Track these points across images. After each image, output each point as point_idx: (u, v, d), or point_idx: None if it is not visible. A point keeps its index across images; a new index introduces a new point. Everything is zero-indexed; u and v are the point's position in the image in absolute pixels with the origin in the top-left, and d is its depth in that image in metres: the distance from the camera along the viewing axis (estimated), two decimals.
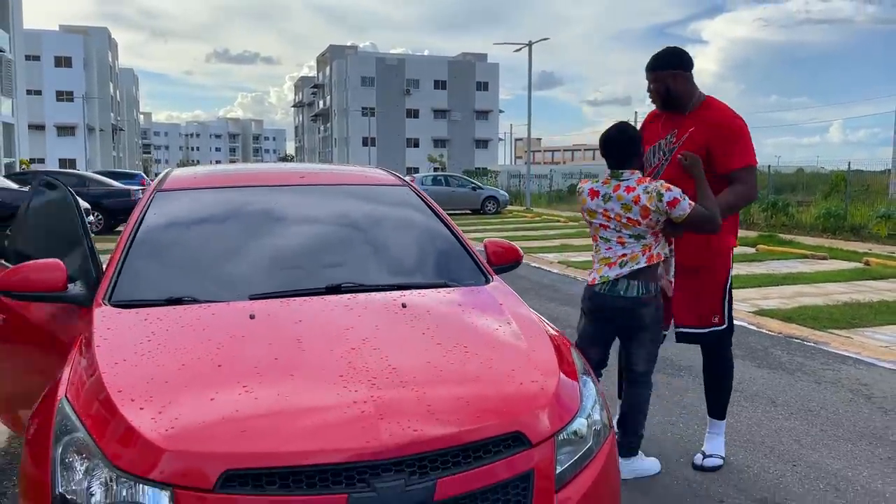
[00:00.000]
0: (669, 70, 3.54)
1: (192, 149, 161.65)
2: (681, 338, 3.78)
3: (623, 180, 3.33)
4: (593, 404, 2.34)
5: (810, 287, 9.64)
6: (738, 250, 13.64)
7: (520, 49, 35.61)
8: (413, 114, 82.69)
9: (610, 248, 3.38)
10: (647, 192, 3.25)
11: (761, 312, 7.93)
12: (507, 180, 42.79)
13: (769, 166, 26.40)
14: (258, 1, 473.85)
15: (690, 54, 3.59)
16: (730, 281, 3.69)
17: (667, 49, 3.65)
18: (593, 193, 3.40)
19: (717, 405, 3.84)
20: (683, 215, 3.24)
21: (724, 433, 3.87)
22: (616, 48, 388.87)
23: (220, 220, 3.19)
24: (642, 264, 3.32)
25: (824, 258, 12.59)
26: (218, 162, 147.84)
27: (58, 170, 30.79)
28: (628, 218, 3.28)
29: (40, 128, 61.17)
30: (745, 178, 3.51)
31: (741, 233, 18.50)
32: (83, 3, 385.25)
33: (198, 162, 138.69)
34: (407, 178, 4.49)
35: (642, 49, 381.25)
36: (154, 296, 2.67)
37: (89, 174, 20.58)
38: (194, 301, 2.62)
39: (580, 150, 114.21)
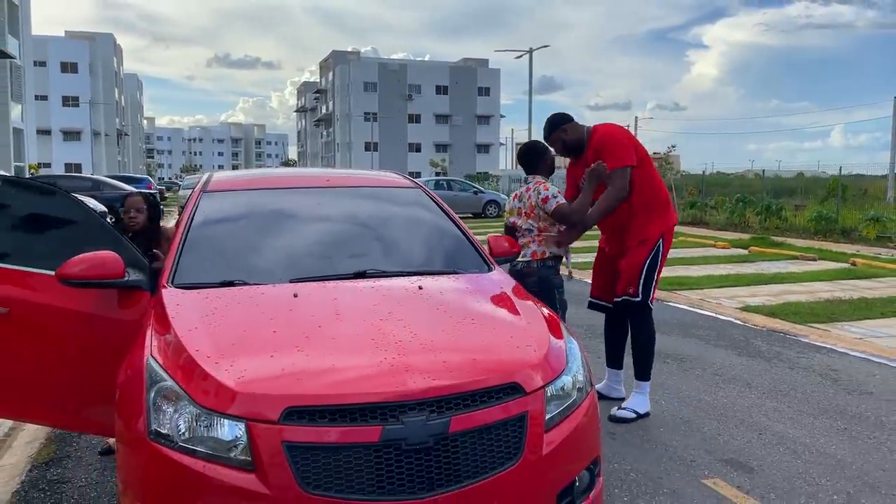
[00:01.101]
0: (557, 131, 4.58)
1: (195, 153, 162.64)
2: (591, 306, 4.94)
3: (528, 183, 4.49)
4: (578, 367, 2.85)
5: (797, 286, 10.15)
6: (730, 252, 14.05)
7: (521, 56, 36.23)
8: (415, 119, 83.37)
9: (524, 235, 4.44)
10: (535, 191, 4.39)
11: (747, 308, 8.44)
12: (508, 185, 43.32)
13: (763, 170, 26.90)
14: (258, 6, 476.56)
15: (569, 114, 4.66)
16: (652, 262, 4.53)
17: (548, 118, 4.66)
18: (515, 196, 4.56)
19: (642, 367, 4.66)
20: (550, 209, 4.33)
21: (646, 393, 4.66)
22: (617, 53, 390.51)
23: (260, 217, 3.72)
24: (528, 258, 4.39)
25: (813, 259, 13.09)
26: (221, 167, 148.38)
27: (72, 174, 31.41)
28: (526, 212, 4.42)
29: (47, 133, 61.93)
30: (615, 179, 4.38)
31: (734, 235, 18.90)
32: (85, 9, 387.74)
33: (201, 167, 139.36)
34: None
35: (643, 54, 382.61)
36: (209, 279, 3.18)
37: (103, 178, 21.19)
38: (244, 283, 3.14)
39: None
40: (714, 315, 8.14)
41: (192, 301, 2.96)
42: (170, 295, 3.03)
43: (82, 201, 3.57)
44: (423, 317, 2.89)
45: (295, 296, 2.98)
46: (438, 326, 2.82)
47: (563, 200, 4.37)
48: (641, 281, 4.52)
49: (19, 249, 3.32)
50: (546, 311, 3.27)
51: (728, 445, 4.13)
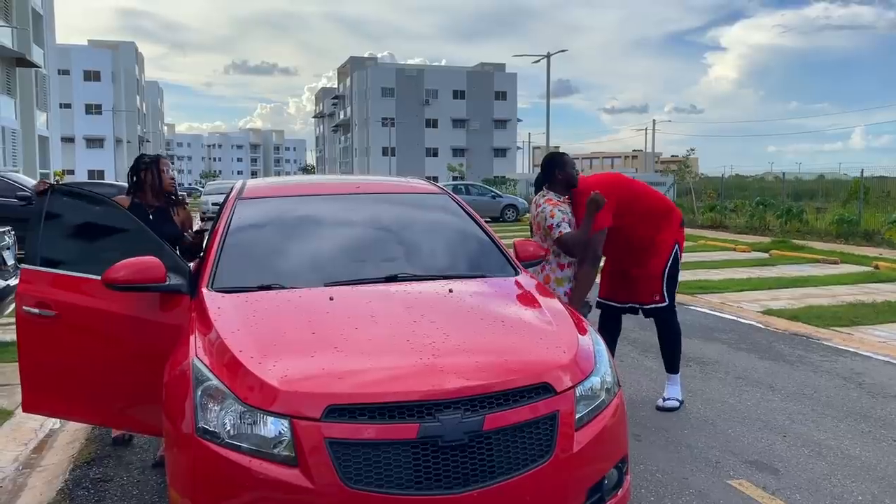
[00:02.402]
0: (553, 172, 4.63)
1: (215, 159, 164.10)
2: (625, 310, 5.01)
3: (543, 197, 4.57)
4: (606, 368, 2.93)
5: (819, 289, 10.13)
6: (751, 255, 14.04)
7: (538, 60, 36.29)
8: (432, 123, 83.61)
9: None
10: (543, 211, 4.46)
11: (769, 312, 8.45)
12: (525, 188, 43.30)
13: (783, 173, 26.71)
14: (276, 13, 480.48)
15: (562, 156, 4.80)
16: (672, 268, 4.77)
17: (543, 160, 4.81)
18: (533, 202, 4.64)
19: (671, 362, 4.95)
20: (554, 238, 4.40)
21: (680, 383, 4.98)
22: (633, 56, 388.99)
23: (294, 223, 3.84)
24: (541, 278, 4.46)
25: (836, 262, 13.03)
26: (240, 173, 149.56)
27: (97, 181, 31.91)
28: (535, 227, 4.57)
29: (70, 140, 62.87)
30: (593, 244, 4.50)
31: (754, 238, 18.85)
32: (107, 19, 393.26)
33: (220, 172, 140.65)
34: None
35: (660, 57, 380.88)
36: (247, 283, 3.30)
37: (125, 185, 21.43)
38: (281, 287, 3.25)
39: (598, 158, 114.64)
40: (736, 319, 8.17)
41: (233, 304, 3.07)
42: (211, 298, 3.14)
43: (126, 211, 3.72)
44: (454, 319, 2.99)
45: (331, 299, 3.08)
46: (470, 329, 2.91)
47: (568, 230, 4.38)
48: (665, 287, 4.76)
49: (70, 256, 3.47)
50: (573, 313, 3.36)
51: (752, 447, 4.18)
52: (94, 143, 67.79)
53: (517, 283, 3.55)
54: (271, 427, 2.42)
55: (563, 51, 37.39)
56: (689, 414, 4.77)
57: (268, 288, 3.24)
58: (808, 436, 4.37)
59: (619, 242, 4.68)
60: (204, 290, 3.25)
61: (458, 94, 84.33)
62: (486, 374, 2.57)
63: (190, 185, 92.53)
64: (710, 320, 8.09)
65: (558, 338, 2.92)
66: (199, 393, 2.56)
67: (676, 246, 4.78)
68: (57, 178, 35.12)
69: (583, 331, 3.10)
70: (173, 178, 4.49)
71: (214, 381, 2.56)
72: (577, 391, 2.71)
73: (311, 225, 3.83)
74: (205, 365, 2.65)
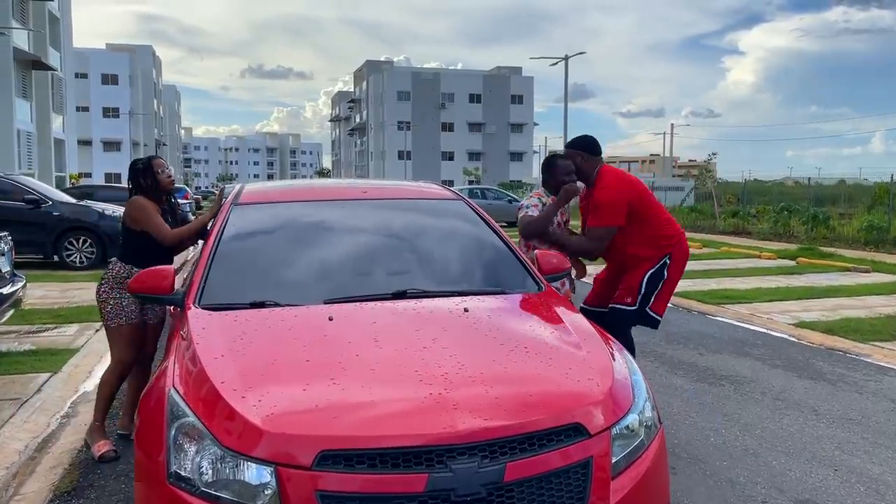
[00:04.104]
0: (578, 149, 4.39)
1: (231, 163, 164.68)
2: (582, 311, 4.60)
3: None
4: (644, 402, 2.53)
5: (852, 300, 9.64)
6: (777, 263, 13.57)
7: (556, 63, 35.84)
8: (448, 127, 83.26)
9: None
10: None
11: (801, 324, 7.98)
12: None
13: (809, 178, 26.14)
14: (292, 17, 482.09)
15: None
16: (655, 275, 4.33)
17: (584, 135, 4.51)
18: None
19: None
20: (518, 216, 4.29)
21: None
22: (650, 60, 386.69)
23: (293, 232, 3.47)
24: None
25: (867, 271, 12.51)
26: (257, 176, 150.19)
27: (110, 184, 31.83)
28: None
29: (87, 143, 63.09)
30: (593, 236, 4.35)
31: (779, 245, 18.33)
32: (125, 23, 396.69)
33: (237, 176, 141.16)
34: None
35: (677, 61, 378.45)
36: (238, 300, 2.94)
37: None
38: (276, 305, 2.89)
39: (615, 162, 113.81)
40: (766, 331, 7.71)
41: (220, 324, 2.72)
42: (195, 317, 2.79)
43: None
44: (470, 344, 2.61)
45: (330, 319, 2.72)
46: (488, 356, 2.53)
47: (532, 213, 4.24)
48: (641, 292, 4.32)
49: None
50: (603, 334, 2.97)
51: (802, 483, 3.75)
52: (112, 146, 68.02)
53: (541, 300, 3.17)
54: (254, 474, 2.05)
55: (581, 53, 36.95)
56: (726, 441, 4.35)
57: (261, 305, 2.89)
58: (863, 470, 3.94)
59: (617, 249, 4.38)
60: (190, 307, 2.90)
61: (474, 98, 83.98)
62: (506, 413, 2.18)
63: (206, 188, 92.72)
64: (739, 333, 7.64)
65: (590, 367, 2.53)
66: (174, 431, 2.21)
67: (668, 257, 4.34)
68: (72, 181, 35.13)
69: (617, 356, 2.71)
70: (170, 176, 4.27)
71: (191, 418, 2.20)
72: (613, 431, 2.32)
73: (311, 234, 3.46)
74: (181, 397, 2.29)
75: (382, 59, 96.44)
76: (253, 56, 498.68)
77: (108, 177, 61.85)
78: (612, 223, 4.26)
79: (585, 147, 4.41)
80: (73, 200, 13.62)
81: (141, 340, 4.17)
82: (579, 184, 4.31)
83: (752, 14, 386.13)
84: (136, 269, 3.84)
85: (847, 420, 4.78)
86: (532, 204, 4.30)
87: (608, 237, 4.29)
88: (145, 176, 4.14)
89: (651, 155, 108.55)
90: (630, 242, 4.32)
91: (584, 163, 4.36)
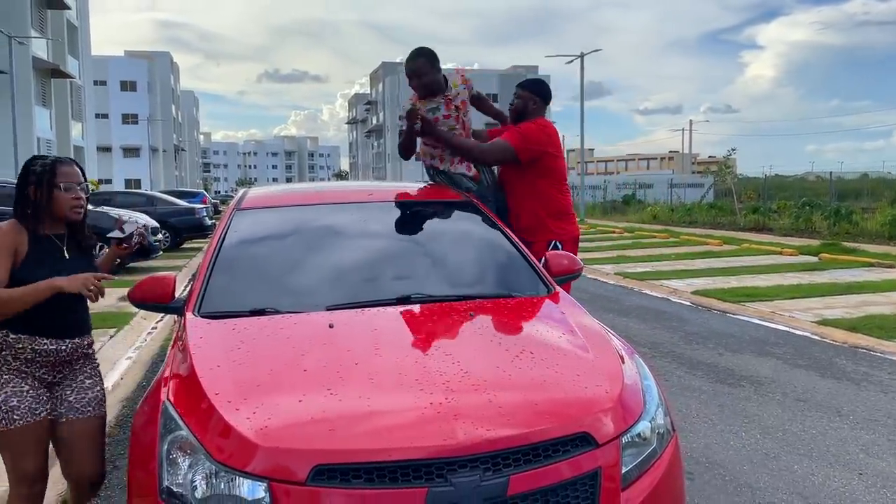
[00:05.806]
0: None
1: (250, 167, 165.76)
2: None
3: None
4: (656, 408, 2.43)
5: (877, 296, 9.41)
6: (799, 259, 13.28)
7: (571, 61, 35.58)
8: None
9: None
10: None
11: (824, 322, 7.79)
12: None
13: (831, 173, 25.72)
14: (308, 21, 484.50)
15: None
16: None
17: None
18: None
19: None
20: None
21: None
22: (667, 56, 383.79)
23: (296, 237, 3.40)
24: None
25: (892, 266, 12.23)
26: (275, 180, 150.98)
27: (127, 190, 32.14)
28: None
29: (107, 149, 63.73)
30: (495, 146, 4.26)
31: (801, 241, 18.00)
32: (143, 30, 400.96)
33: (255, 180, 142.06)
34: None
35: (695, 57, 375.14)
36: (238, 307, 2.87)
37: (156, 194, 21.42)
38: (276, 312, 2.81)
39: (634, 160, 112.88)
40: (788, 329, 7.54)
41: (218, 333, 2.65)
42: (193, 326, 2.72)
43: None
44: (473, 350, 2.52)
45: (330, 326, 2.64)
46: (492, 362, 2.43)
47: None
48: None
49: None
50: (615, 338, 2.86)
51: (825, 488, 3.62)
52: (131, 152, 68.71)
53: (550, 303, 3.06)
54: (248, 490, 1.97)
55: (596, 50, 36.60)
56: (746, 445, 4.22)
57: (261, 313, 2.81)
58: (890, 473, 3.79)
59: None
60: (188, 314, 2.84)
61: (490, 98, 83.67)
62: (510, 423, 2.09)
63: (226, 192, 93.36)
64: (761, 332, 7.48)
65: (598, 372, 2.43)
66: (167, 445, 2.14)
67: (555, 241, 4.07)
68: (92, 187, 35.50)
69: (628, 362, 2.60)
70: (79, 199, 2.74)
71: (184, 432, 2.13)
72: (623, 439, 2.22)
73: (314, 239, 3.38)
74: (175, 410, 2.22)
75: (398, 60, 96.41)
76: (269, 60, 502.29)
77: (129, 182, 62.50)
78: (519, 146, 4.10)
79: (542, 95, 4.48)
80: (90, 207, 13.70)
81: (51, 446, 2.75)
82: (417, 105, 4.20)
83: (771, 8, 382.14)
84: (11, 336, 2.60)
85: (872, 421, 4.62)
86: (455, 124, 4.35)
87: (503, 156, 4.17)
88: (39, 186, 2.66)
89: (670, 152, 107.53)
90: (534, 211, 4.13)
91: (535, 108, 4.44)
